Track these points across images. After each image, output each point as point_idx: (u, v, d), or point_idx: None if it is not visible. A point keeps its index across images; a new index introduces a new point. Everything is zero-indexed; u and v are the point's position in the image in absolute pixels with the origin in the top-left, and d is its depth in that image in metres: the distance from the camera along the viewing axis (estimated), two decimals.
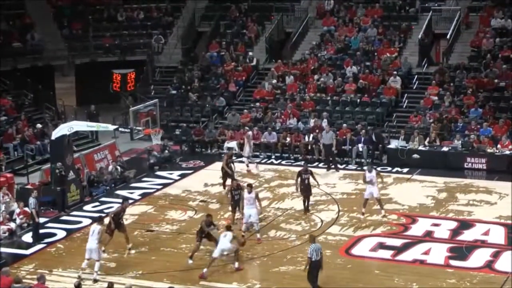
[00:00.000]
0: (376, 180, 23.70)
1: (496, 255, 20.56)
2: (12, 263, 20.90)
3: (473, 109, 32.01)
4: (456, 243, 21.65)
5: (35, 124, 33.38)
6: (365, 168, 25.97)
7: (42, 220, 23.49)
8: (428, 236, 22.27)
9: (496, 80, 33.37)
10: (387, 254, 21.01)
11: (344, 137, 30.90)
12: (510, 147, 29.18)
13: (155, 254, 21.41)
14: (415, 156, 29.74)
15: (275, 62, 37.84)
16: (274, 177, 28.92)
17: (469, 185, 27.31)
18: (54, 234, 23.19)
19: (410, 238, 22.07)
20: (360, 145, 30.46)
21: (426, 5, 38.62)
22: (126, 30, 42.72)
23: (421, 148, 30.04)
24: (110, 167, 28.82)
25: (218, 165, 28.03)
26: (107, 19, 43.08)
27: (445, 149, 29.84)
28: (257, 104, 35.22)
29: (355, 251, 21.38)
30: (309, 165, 29.40)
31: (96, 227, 19.73)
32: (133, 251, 21.35)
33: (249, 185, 22.76)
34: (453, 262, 20.28)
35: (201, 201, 26.27)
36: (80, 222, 24.25)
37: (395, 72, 34.58)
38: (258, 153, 31.84)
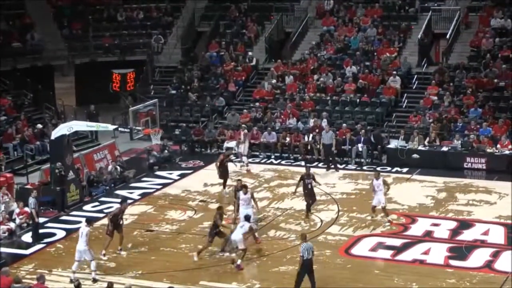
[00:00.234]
0: (383, 187, 23.26)
1: (495, 255, 20.56)
2: (11, 263, 20.91)
3: (473, 109, 32.01)
4: (456, 243, 21.65)
5: (35, 124, 33.39)
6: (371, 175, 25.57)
7: (41, 220, 23.51)
8: (427, 236, 22.28)
9: (495, 80, 33.38)
10: (386, 254, 21.02)
11: (344, 137, 30.89)
12: (509, 147, 29.19)
13: (155, 254, 21.41)
14: (415, 156, 29.75)
15: (275, 62, 37.85)
16: (274, 177, 28.92)
17: (469, 185, 27.32)
18: (53, 234, 23.19)
19: (409, 238, 22.08)
20: (359, 145, 30.46)
21: (426, 5, 38.64)
22: (125, 30, 42.73)
23: (420, 148, 30.04)
24: (110, 167, 28.82)
25: None
26: (107, 19, 43.09)
27: (444, 149, 29.84)
28: (257, 104, 35.23)
29: (355, 251, 21.38)
30: (308, 165, 29.55)
31: (84, 229, 19.65)
32: (123, 253, 21.32)
33: (245, 186, 22.78)
34: (452, 262, 20.28)
35: (201, 201, 26.27)
36: (79, 222, 23.90)
37: (394, 72, 34.59)
38: (257, 153, 31.89)
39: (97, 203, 26.22)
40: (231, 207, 23.73)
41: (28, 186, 26.40)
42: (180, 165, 30.96)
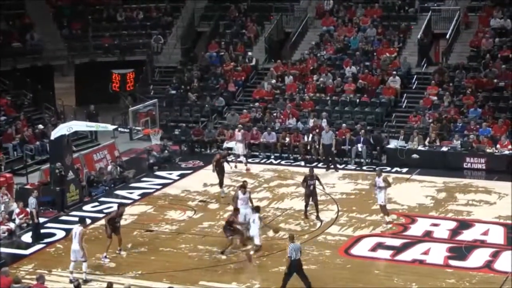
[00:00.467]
0: (384, 185, 23.07)
1: (495, 255, 20.56)
2: (11, 263, 20.91)
3: (473, 109, 32.01)
4: (456, 243, 21.65)
5: (35, 124, 33.39)
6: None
7: (41, 220, 23.48)
8: (427, 236, 22.28)
9: (495, 80, 33.38)
10: (386, 254, 21.02)
11: (344, 137, 30.89)
12: (509, 147, 29.19)
13: (155, 254, 21.41)
14: (415, 156, 29.75)
15: (275, 62, 37.85)
16: (274, 177, 28.92)
17: (469, 185, 27.32)
18: (53, 234, 23.19)
19: (409, 238, 22.08)
20: (359, 145, 30.46)
21: (426, 5, 38.62)
22: (125, 30, 42.73)
23: (420, 148, 30.04)
24: (110, 167, 28.82)
25: None
26: (106, 19, 43.10)
27: (444, 149, 29.85)
28: (257, 104, 35.23)
29: (355, 251, 21.38)
30: (308, 165, 29.60)
31: (77, 229, 19.64)
32: (123, 253, 21.33)
33: (243, 186, 22.76)
34: (452, 262, 20.28)
35: (200, 201, 26.27)
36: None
37: (394, 72, 34.58)
38: (257, 153, 31.91)
39: (96, 203, 26.22)
40: (230, 207, 23.70)
41: (28, 186, 26.41)
42: (180, 165, 30.96)
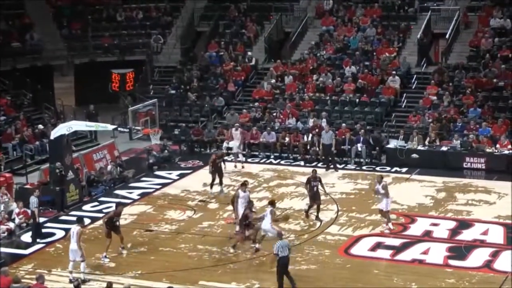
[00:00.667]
0: (383, 193, 22.66)
1: (495, 255, 20.57)
2: (11, 263, 20.92)
3: (472, 109, 32.02)
4: (455, 242, 21.66)
5: (34, 124, 33.39)
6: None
7: (41, 219, 23.43)
8: (427, 236, 22.28)
9: (495, 80, 33.40)
10: (386, 253, 21.02)
11: (343, 136, 30.89)
12: (509, 146, 29.20)
13: (154, 254, 21.41)
14: (414, 155, 29.75)
15: (274, 62, 37.84)
16: (273, 177, 28.91)
17: (468, 184, 27.32)
18: (53, 234, 23.18)
19: (409, 237, 22.08)
20: (359, 145, 30.45)
21: (425, 5, 38.64)
22: (125, 30, 42.72)
23: (420, 148, 30.04)
24: (109, 167, 28.82)
25: None
26: (106, 19, 43.10)
27: (444, 148, 29.85)
28: (256, 104, 35.23)
29: (354, 250, 21.38)
30: (308, 164, 29.60)
31: (75, 228, 19.62)
32: (124, 252, 21.33)
33: (244, 184, 22.71)
34: (452, 262, 20.28)
35: (200, 201, 26.26)
36: None
37: (394, 72, 34.57)
38: (257, 153, 31.91)
39: (96, 203, 26.21)
40: (229, 207, 23.71)
41: (28, 186, 26.41)
42: (179, 165, 30.95)
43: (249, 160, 30.86)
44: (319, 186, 23.72)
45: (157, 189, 27.75)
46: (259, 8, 41.77)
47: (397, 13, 39.31)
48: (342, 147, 30.59)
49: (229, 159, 30.36)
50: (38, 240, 22.56)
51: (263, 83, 36.65)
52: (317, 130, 31.37)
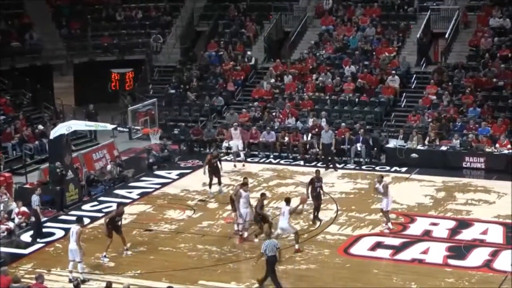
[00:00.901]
0: (383, 192, 22.64)
1: (494, 254, 20.57)
2: (10, 262, 20.90)
3: (472, 109, 32.02)
4: (455, 242, 21.65)
5: (34, 124, 33.38)
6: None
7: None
8: (426, 236, 22.27)
9: (494, 79, 33.40)
10: (385, 253, 21.02)
11: (343, 136, 30.88)
12: (508, 146, 29.19)
13: (154, 253, 21.41)
14: (414, 155, 29.74)
15: (274, 62, 37.84)
16: (273, 177, 28.91)
17: (468, 184, 27.32)
18: (52, 234, 23.16)
19: (408, 237, 22.07)
20: (358, 145, 30.43)
21: (425, 4, 38.65)
22: (124, 30, 42.72)
23: (419, 147, 30.04)
24: (109, 167, 28.81)
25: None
26: (105, 18, 43.09)
27: (443, 148, 29.85)
28: (256, 103, 35.22)
29: (354, 250, 21.37)
30: (307, 164, 29.60)
31: (74, 228, 19.62)
32: (129, 252, 21.34)
33: (245, 184, 22.68)
34: (451, 261, 20.28)
35: (200, 200, 26.25)
36: None
37: (393, 72, 34.57)
38: (256, 153, 31.91)
39: (96, 203, 26.20)
40: (229, 207, 23.70)
41: (27, 186, 26.40)
42: (179, 165, 30.94)
43: (248, 159, 30.85)
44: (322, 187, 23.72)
45: (156, 189, 27.74)
46: (259, 8, 41.77)
47: (396, 12, 39.32)
48: (342, 146, 30.58)
49: (229, 158, 30.37)
50: (38, 240, 22.55)
51: (262, 83, 36.64)
52: (316, 129, 31.37)
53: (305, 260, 20.49)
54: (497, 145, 29.40)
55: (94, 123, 29.04)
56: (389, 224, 22.62)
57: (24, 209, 23.87)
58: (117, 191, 27.43)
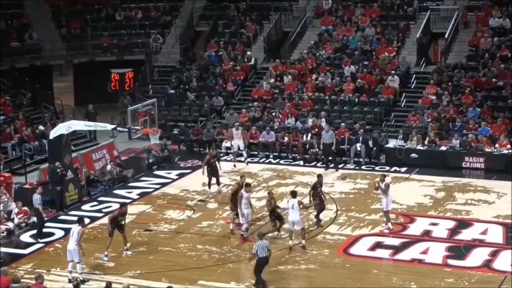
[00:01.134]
0: (384, 190, 22.58)
1: (494, 254, 20.58)
2: (10, 262, 20.90)
3: (471, 109, 32.03)
4: (454, 242, 21.66)
5: (33, 124, 33.36)
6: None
7: None
8: (426, 236, 22.28)
9: (494, 80, 33.40)
10: (385, 253, 21.02)
11: (342, 136, 30.88)
12: (508, 146, 29.20)
13: (153, 253, 21.40)
14: (413, 155, 29.75)
15: (273, 62, 37.83)
16: (272, 177, 28.90)
17: (467, 184, 27.32)
18: (52, 234, 23.15)
19: (408, 237, 22.08)
20: (358, 145, 30.42)
21: (424, 4, 38.66)
22: (124, 30, 42.71)
23: (419, 147, 30.05)
24: (109, 167, 28.80)
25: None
26: (105, 18, 43.09)
27: (443, 148, 29.85)
28: (255, 103, 35.22)
29: (354, 250, 21.37)
30: (307, 164, 29.59)
31: (75, 228, 19.59)
32: (129, 252, 21.33)
33: (248, 184, 22.66)
34: (451, 261, 20.28)
35: (199, 200, 26.25)
36: None
37: (393, 72, 34.58)
38: (256, 153, 31.91)
39: (95, 203, 26.19)
40: (228, 207, 23.69)
41: (27, 186, 26.39)
42: (179, 165, 30.93)
43: (248, 159, 30.80)
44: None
45: (156, 189, 27.73)
46: (258, 8, 41.77)
47: (396, 12, 39.32)
48: (341, 146, 30.58)
49: (228, 158, 30.37)
50: (38, 239, 22.55)
51: (262, 83, 36.64)
52: (316, 129, 31.37)
53: (305, 260, 20.49)
54: (496, 145, 29.41)
55: (93, 123, 29.04)
56: (389, 224, 22.63)
57: (24, 209, 23.86)
58: (116, 191, 27.41)
